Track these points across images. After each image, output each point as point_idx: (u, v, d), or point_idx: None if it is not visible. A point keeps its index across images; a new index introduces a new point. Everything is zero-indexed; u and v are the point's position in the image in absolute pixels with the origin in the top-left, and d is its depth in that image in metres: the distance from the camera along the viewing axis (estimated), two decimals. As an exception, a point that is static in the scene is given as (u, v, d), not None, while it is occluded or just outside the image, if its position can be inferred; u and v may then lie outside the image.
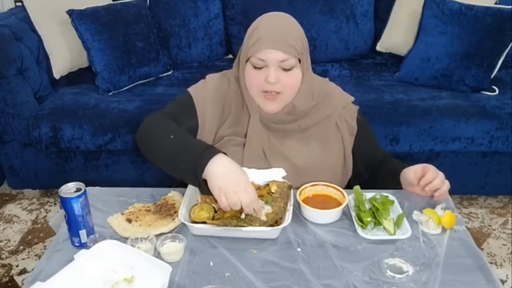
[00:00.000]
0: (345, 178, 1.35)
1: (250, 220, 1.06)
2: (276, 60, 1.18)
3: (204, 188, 1.07)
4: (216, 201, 1.17)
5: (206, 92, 1.30)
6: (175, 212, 1.13)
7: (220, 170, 1.05)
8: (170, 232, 1.08)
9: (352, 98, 1.38)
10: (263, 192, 1.15)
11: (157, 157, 1.16)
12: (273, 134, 1.29)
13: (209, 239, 1.06)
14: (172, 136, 1.14)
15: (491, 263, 1.97)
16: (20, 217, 2.31)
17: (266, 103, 1.24)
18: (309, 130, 1.31)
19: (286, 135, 1.30)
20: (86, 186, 1.05)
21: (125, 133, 2.10)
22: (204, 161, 1.05)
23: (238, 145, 1.27)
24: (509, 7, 2.17)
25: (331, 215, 1.12)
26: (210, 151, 1.07)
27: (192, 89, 1.33)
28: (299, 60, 1.21)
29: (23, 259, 2.04)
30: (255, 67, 1.21)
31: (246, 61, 1.23)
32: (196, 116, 1.28)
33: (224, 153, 1.09)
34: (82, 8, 2.23)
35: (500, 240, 2.12)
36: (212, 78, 1.34)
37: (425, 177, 1.15)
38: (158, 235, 1.05)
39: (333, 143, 1.32)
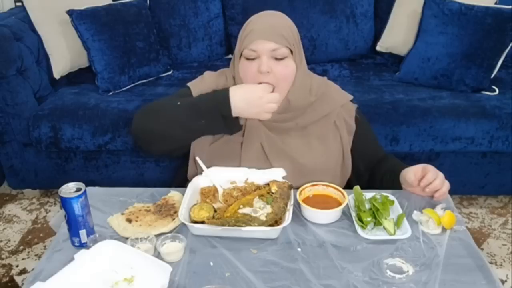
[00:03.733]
0: (344, 178, 1.35)
1: (249, 220, 1.06)
2: (267, 50, 1.20)
3: (235, 124, 1.22)
4: (216, 201, 1.17)
5: (203, 87, 1.32)
6: (175, 212, 1.13)
7: (241, 93, 1.18)
8: (170, 232, 1.07)
9: (351, 97, 1.38)
10: (263, 192, 1.15)
11: (168, 128, 1.21)
12: (271, 132, 1.29)
13: (209, 239, 1.06)
14: (178, 103, 1.21)
15: (491, 263, 1.97)
16: (20, 217, 2.31)
17: None
18: (307, 129, 1.31)
19: (284, 133, 1.30)
20: (86, 186, 1.05)
21: (125, 133, 2.10)
22: (224, 100, 1.17)
23: (236, 142, 1.27)
24: (509, 7, 2.17)
25: (331, 215, 1.12)
26: (220, 92, 1.20)
27: (191, 83, 1.36)
28: (292, 52, 1.22)
29: (23, 259, 2.04)
30: (247, 59, 1.22)
31: (240, 57, 1.24)
32: None
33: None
34: (82, 8, 2.23)
35: (500, 240, 2.12)
36: (209, 75, 1.37)
37: (425, 178, 1.15)
38: (158, 235, 1.05)
39: (332, 142, 1.32)
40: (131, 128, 1.27)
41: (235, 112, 1.19)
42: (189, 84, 1.36)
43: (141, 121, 1.25)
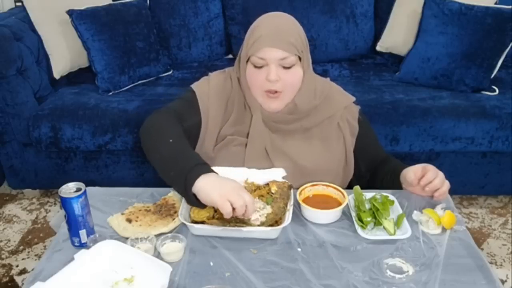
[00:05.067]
0: (346, 179, 1.35)
1: (249, 220, 1.05)
2: (276, 58, 1.19)
3: (191, 199, 1.04)
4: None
5: (209, 89, 1.31)
6: (175, 212, 1.13)
7: (214, 182, 1.03)
8: (170, 232, 1.07)
9: (353, 98, 1.38)
10: (263, 192, 1.15)
11: (153, 156, 1.16)
12: (275, 134, 1.29)
13: (209, 239, 1.06)
14: (171, 140, 1.13)
15: (491, 263, 1.97)
16: (20, 217, 2.31)
17: (268, 101, 1.25)
18: (311, 131, 1.31)
19: (288, 135, 1.30)
20: (86, 186, 1.05)
21: (125, 133, 2.10)
22: (195, 174, 1.03)
23: (240, 144, 1.27)
24: (509, 7, 2.17)
25: (331, 215, 1.12)
26: (204, 167, 1.05)
27: (195, 86, 1.33)
28: (300, 58, 1.22)
29: (23, 259, 2.04)
30: (255, 66, 1.21)
31: (247, 61, 1.23)
32: (199, 112, 1.29)
33: (216, 173, 1.06)
34: (82, 8, 2.23)
35: (500, 240, 2.12)
36: (215, 76, 1.35)
37: (425, 177, 1.15)
38: (158, 235, 1.05)
39: (335, 144, 1.31)
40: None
41: (196, 188, 1.03)
42: (193, 86, 1.33)
43: (142, 133, 1.21)
